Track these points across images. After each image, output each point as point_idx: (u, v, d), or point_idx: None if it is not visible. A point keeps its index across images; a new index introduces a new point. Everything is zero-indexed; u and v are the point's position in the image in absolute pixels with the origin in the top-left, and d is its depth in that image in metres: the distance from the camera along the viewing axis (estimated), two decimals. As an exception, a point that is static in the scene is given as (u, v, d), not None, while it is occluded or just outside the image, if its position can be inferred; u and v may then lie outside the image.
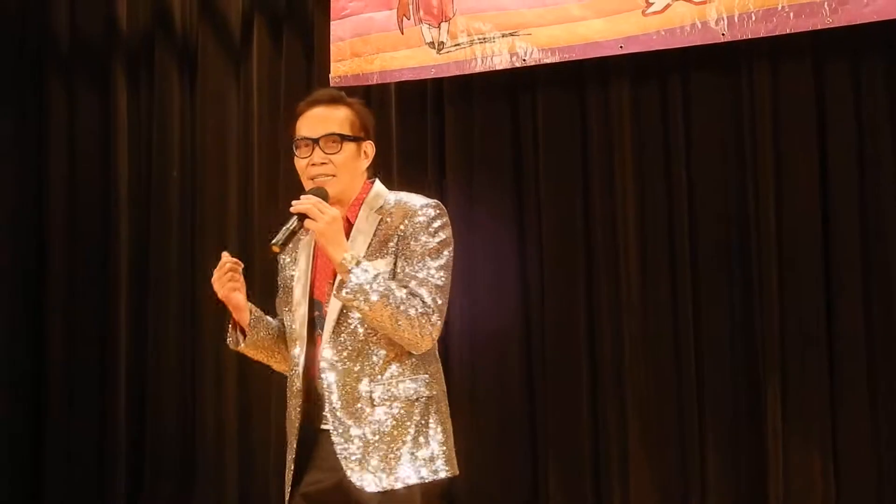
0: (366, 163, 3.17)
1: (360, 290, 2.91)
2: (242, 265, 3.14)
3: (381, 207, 3.12)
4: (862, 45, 4.67)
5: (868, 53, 4.70)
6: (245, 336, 3.19)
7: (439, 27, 5.23)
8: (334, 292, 2.99)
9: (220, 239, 5.82)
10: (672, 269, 4.97)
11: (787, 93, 4.81)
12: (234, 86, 5.92)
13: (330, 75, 5.46)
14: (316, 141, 3.09)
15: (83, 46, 6.19)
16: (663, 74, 5.00)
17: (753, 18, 4.68)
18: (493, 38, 5.12)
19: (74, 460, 5.99)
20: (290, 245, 3.20)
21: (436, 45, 5.25)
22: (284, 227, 2.96)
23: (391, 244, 3.05)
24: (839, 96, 4.76)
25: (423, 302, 2.99)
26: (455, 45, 5.20)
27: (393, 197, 3.15)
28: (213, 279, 3.11)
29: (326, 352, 3.05)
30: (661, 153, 5.02)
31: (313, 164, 3.10)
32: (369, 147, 3.18)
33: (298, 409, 3.10)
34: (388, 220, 3.08)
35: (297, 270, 3.20)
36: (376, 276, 2.94)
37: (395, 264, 3.04)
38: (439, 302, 3.02)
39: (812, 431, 4.71)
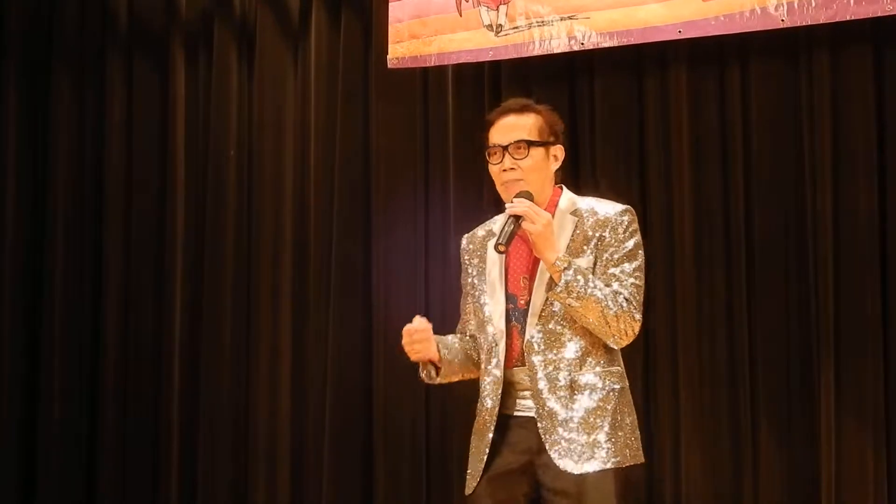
0: (555, 165, 3.40)
1: (571, 289, 3.16)
2: (430, 327, 3.33)
3: (575, 210, 3.34)
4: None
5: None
6: (438, 372, 3.40)
7: (498, 10, 5.24)
8: (546, 290, 3.23)
9: (276, 219, 5.88)
10: (727, 255, 4.97)
11: (847, 80, 4.79)
12: (291, 66, 5.95)
13: (387, 57, 5.48)
14: (505, 148, 3.33)
15: (142, 27, 6.23)
16: (721, 61, 4.99)
17: (813, 5, 4.66)
18: (552, 21, 5.13)
19: (128, 460, 6.06)
20: (476, 247, 3.47)
21: (494, 27, 5.26)
22: (505, 229, 3.20)
23: (589, 246, 3.28)
24: (899, 84, 4.74)
25: (627, 300, 3.23)
26: (513, 28, 5.21)
27: (584, 202, 3.37)
28: (403, 343, 3.32)
29: (529, 342, 3.27)
30: (718, 140, 5.01)
31: (504, 170, 3.33)
32: (559, 151, 3.41)
33: (497, 399, 3.29)
34: (584, 224, 3.30)
35: (487, 269, 3.40)
36: (586, 276, 3.18)
37: (594, 265, 3.27)
38: (640, 299, 3.28)
39: (865, 420, 4.70)
